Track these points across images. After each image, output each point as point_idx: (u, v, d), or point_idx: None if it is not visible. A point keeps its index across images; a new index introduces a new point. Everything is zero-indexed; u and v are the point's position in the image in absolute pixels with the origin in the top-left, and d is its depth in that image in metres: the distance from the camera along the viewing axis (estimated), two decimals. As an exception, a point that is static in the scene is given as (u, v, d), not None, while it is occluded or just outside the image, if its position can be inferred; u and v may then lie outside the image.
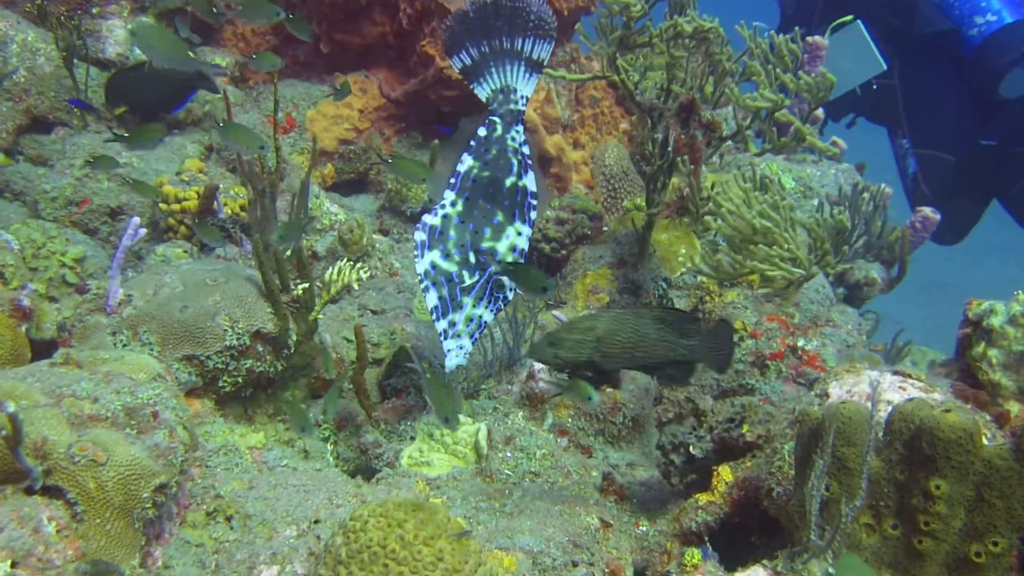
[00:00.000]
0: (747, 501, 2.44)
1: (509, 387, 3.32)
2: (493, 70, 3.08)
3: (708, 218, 3.87)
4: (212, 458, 2.55)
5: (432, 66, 4.53)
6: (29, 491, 1.90)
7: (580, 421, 3.39)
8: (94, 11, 4.82)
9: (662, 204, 3.86)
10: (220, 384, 2.80)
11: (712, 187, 4.06)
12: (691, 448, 2.75)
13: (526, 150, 2.98)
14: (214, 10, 3.53)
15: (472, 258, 2.78)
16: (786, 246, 3.36)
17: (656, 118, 3.80)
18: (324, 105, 4.77)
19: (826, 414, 1.89)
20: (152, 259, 3.79)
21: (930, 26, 5.64)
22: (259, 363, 2.85)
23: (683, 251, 4.31)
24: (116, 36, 4.85)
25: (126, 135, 3.58)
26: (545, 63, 3.18)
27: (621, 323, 2.40)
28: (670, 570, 2.28)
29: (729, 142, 4.67)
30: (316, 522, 2.27)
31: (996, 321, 2.30)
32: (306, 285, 2.94)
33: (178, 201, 4.03)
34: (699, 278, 4.21)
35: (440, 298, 2.76)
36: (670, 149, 3.73)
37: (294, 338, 2.95)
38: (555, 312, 3.55)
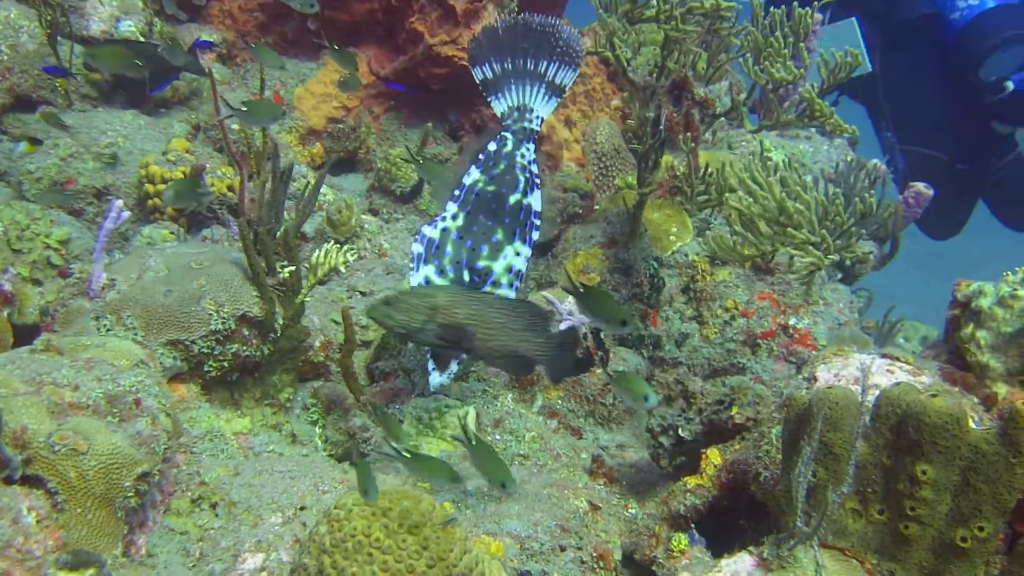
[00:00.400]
0: (735, 484, 2.43)
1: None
2: (513, 87, 3.08)
3: (708, 197, 3.80)
4: (197, 444, 2.53)
5: (421, 43, 4.48)
6: (8, 481, 1.89)
7: (570, 403, 3.38)
8: (78, -12, 4.74)
9: (654, 183, 3.82)
10: (206, 369, 2.78)
11: (707, 167, 4.02)
12: (680, 431, 2.74)
13: (535, 168, 2.94)
14: None
15: (466, 276, 2.72)
16: (819, 231, 3.26)
17: (649, 96, 3.76)
18: (312, 83, 4.71)
19: (813, 399, 1.88)
20: (138, 241, 3.75)
21: (913, 11, 5.62)
22: (245, 347, 2.82)
23: (675, 230, 4.29)
24: (100, 13, 4.77)
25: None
26: (567, 89, 3.17)
27: (465, 300, 2.35)
28: (656, 555, 2.27)
29: (722, 119, 4.64)
30: (302, 509, 2.26)
31: (985, 302, 2.28)
32: (292, 268, 2.91)
33: (164, 181, 3.98)
34: (691, 257, 4.19)
35: None
36: (662, 127, 3.69)
37: (281, 322, 2.93)
38: (545, 293, 3.52)
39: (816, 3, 3.79)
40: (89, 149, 4.19)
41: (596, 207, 4.54)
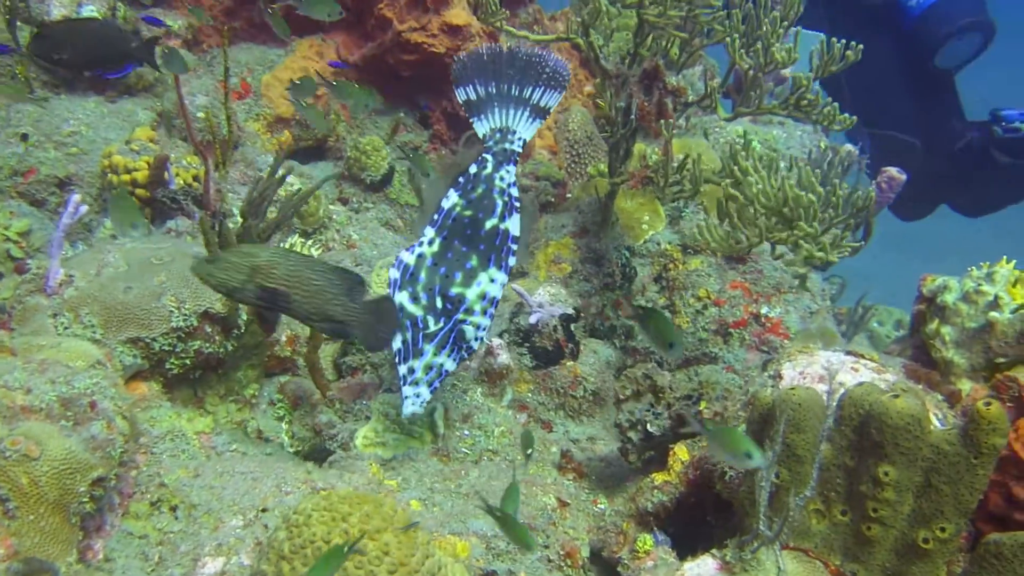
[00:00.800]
0: (702, 481, 2.42)
1: (468, 363, 3.27)
2: (496, 110, 3.07)
3: (681, 188, 3.76)
4: (158, 444, 2.49)
5: (390, 30, 4.41)
6: (-43, 489, 1.84)
7: (540, 396, 3.36)
8: (37, -28, 4.62)
9: (625, 173, 3.79)
10: (167, 366, 2.72)
11: (686, 158, 3.99)
12: (648, 426, 2.72)
13: (515, 192, 2.90)
14: None
15: (439, 303, 2.68)
16: (823, 225, 3.18)
17: (620, 84, 3.72)
18: (280, 70, 4.63)
19: (777, 401, 1.87)
20: (101, 232, 3.68)
21: None
22: (208, 344, 2.77)
23: (647, 218, 4.26)
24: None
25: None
26: (551, 111, 3.16)
27: (285, 260, 2.34)
28: (622, 556, 2.26)
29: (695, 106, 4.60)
30: (264, 511, 2.22)
31: (949, 298, 2.28)
32: (256, 263, 2.86)
33: (128, 172, 3.90)
34: (663, 245, 4.17)
35: (403, 342, 2.66)
36: (633, 117, 3.66)
37: (244, 318, 2.88)
38: (515, 286, 3.50)
39: None
40: (51, 138, 4.10)
41: (568, 195, 4.50)
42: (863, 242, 4.70)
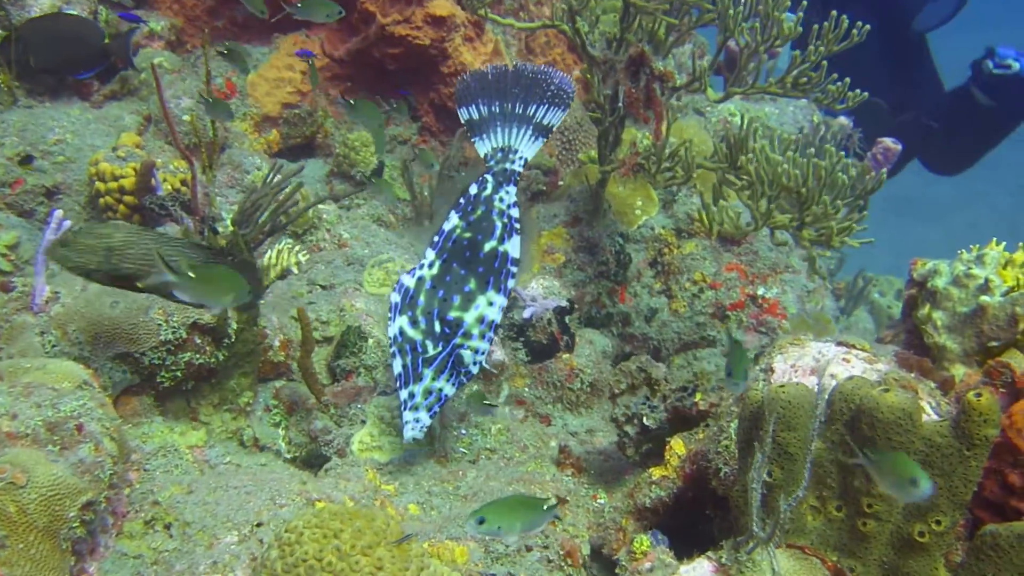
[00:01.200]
0: (699, 475, 2.40)
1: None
2: (498, 129, 3.04)
3: (673, 175, 3.70)
4: (150, 461, 2.48)
5: (374, 23, 4.36)
6: (-54, 521, 1.83)
7: (537, 390, 3.35)
8: (17, -22, 4.57)
9: (615, 161, 3.75)
10: (158, 379, 2.71)
11: (682, 143, 3.94)
12: (644, 419, 2.71)
13: (515, 212, 2.86)
14: None
15: (437, 327, 2.67)
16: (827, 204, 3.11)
17: (607, 71, 3.67)
18: (265, 68, 4.59)
19: (765, 399, 1.84)
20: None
21: None
22: (198, 355, 2.76)
23: (640, 203, 4.23)
24: (41, 4, 4.61)
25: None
26: (554, 128, 3.13)
27: (139, 238, 2.32)
28: (619, 558, 2.25)
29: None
30: (259, 525, 2.21)
31: (940, 282, 2.25)
32: (244, 270, 2.84)
33: (115, 179, 3.87)
34: (657, 230, 4.14)
35: (403, 366, 2.66)
36: (620, 104, 3.61)
37: (235, 326, 2.86)
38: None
39: None
40: (36, 147, 4.07)
41: (560, 183, 4.47)
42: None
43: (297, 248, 2.93)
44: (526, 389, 3.32)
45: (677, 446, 2.51)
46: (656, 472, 2.50)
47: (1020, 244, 2.26)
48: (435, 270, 2.74)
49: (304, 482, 2.41)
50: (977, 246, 2.25)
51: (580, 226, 4.03)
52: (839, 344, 2.14)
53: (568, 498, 2.73)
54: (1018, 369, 1.98)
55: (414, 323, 2.67)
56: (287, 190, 2.78)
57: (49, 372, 2.21)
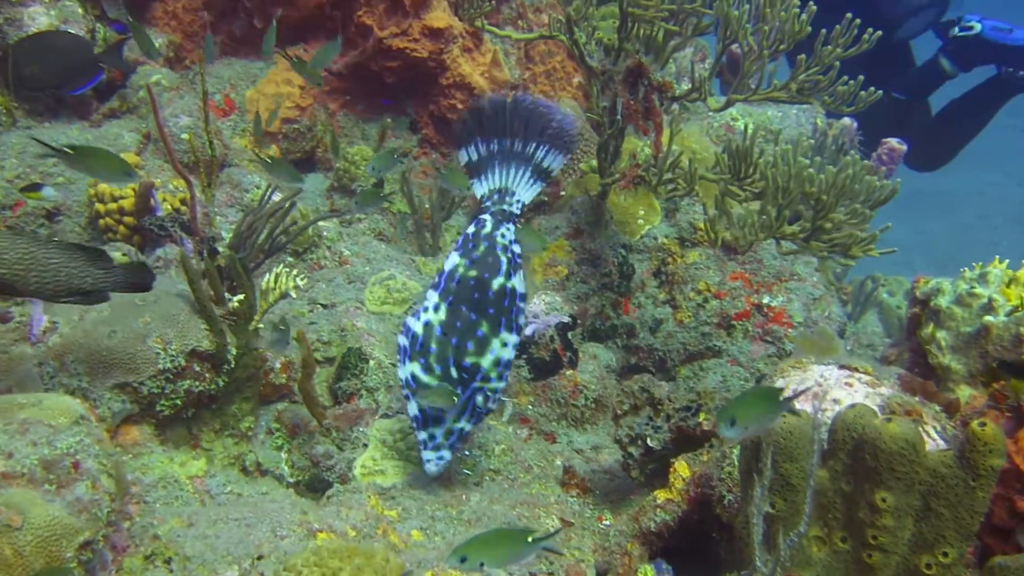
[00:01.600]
0: (704, 498, 2.38)
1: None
2: (497, 170, 2.96)
3: (675, 187, 3.65)
4: (150, 493, 2.47)
5: (371, 37, 4.33)
6: (-59, 566, 1.82)
7: (541, 407, 3.33)
8: (13, -2, 4.57)
9: (615, 173, 3.72)
10: (158, 408, 2.70)
11: (682, 154, 3.90)
12: (648, 440, 2.68)
13: (517, 248, 2.82)
14: None
15: (454, 373, 2.65)
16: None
17: (605, 82, 3.64)
18: (263, 84, 4.58)
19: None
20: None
21: None
22: (198, 383, 2.75)
23: (642, 213, 4.20)
24: (39, 23, 4.60)
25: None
26: (554, 174, 3.05)
27: (13, 244, 2.30)
28: (622, 587, 2.23)
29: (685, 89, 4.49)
30: (259, 558, 2.19)
31: (943, 301, 2.21)
32: (242, 296, 2.83)
33: (115, 200, 3.87)
34: (660, 240, 4.11)
35: (421, 410, 2.66)
36: (619, 116, 3.58)
37: (234, 352, 2.85)
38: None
39: None
40: (36, 169, 4.06)
41: (562, 193, 4.44)
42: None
43: (295, 272, 2.91)
44: (530, 407, 3.30)
45: (681, 468, 2.48)
46: (661, 495, 2.48)
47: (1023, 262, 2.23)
48: (442, 315, 2.68)
49: (305, 512, 2.39)
50: (980, 263, 2.22)
51: (582, 238, 4.01)
52: (841, 367, 2.11)
53: (573, 520, 2.71)
54: (1024, 391, 1.94)
55: (428, 370, 2.64)
56: (280, 212, 2.76)
57: (44, 408, 2.20)
